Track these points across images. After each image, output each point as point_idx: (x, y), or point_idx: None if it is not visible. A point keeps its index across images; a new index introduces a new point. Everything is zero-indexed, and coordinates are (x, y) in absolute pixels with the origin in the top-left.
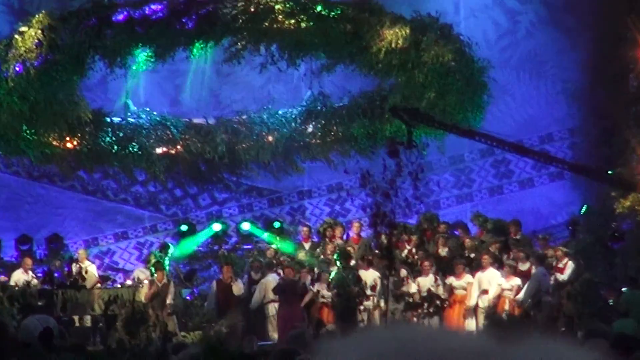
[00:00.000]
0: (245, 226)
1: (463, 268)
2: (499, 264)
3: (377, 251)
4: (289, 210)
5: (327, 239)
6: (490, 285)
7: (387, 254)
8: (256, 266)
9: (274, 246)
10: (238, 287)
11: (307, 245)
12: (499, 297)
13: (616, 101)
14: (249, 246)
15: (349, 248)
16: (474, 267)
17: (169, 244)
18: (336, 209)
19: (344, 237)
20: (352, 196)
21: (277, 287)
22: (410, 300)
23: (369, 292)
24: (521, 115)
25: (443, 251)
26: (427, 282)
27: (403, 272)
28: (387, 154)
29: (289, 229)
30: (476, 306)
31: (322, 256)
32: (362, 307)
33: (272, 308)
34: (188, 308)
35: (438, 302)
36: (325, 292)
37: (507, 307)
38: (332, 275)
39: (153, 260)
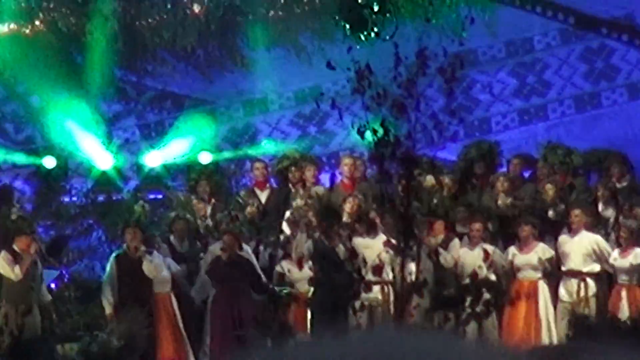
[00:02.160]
0: (206, 158)
1: (532, 232)
2: (600, 228)
3: (385, 206)
4: (228, 134)
5: (292, 185)
6: (586, 262)
7: (404, 212)
8: (180, 229)
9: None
10: (150, 266)
11: (263, 195)
12: (611, 283)
13: None
14: (159, 195)
15: (336, 200)
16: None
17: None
18: (311, 132)
19: (324, 181)
20: (340, 109)
21: (211, 268)
22: (445, 292)
23: (370, 276)
24: None
25: (505, 203)
26: (471, 259)
27: (432, 242)
28: (345, 25)
29: (229, 169)
30: (555, 300)
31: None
32: (359, 303)
33: None
34: (54, 303)
35: (489, 295)
36: (296, 275)
37: (625, 305)
38: (305, 247)
39: None
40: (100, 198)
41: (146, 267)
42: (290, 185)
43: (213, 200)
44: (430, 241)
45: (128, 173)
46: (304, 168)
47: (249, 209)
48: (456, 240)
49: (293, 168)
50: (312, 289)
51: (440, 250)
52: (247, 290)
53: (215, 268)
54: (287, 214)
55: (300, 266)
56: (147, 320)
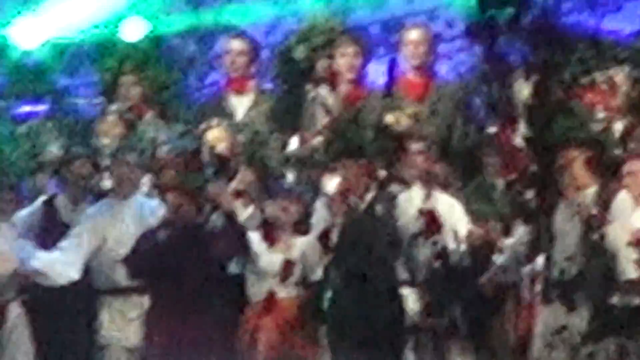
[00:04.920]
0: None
1: None
2: None
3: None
4: None
5: (311, 85)
6: None
7: (536, 140)
8: (76, 175)
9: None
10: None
11: (240, 104)
12: None
13: None
14: (37, 105)
15: (407, 111)
16: None
17: None
18: None
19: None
20: None
21: (138, 251)
22: (619, 300)
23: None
24: None
25: None
26: None
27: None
28: None
29: (181, 52)
30: None
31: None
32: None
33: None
34: None
35: None
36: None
37: None
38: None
39: None
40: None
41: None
42: (308, 85)
43: (149, 115)
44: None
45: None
46: (340, 51)
47: (211, 134)
48: (622, 195)
49: (321, 51)
50: (328, 291)
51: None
52: (205, 293)
53: (143, 252)
54: (293, 142)
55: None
56: None
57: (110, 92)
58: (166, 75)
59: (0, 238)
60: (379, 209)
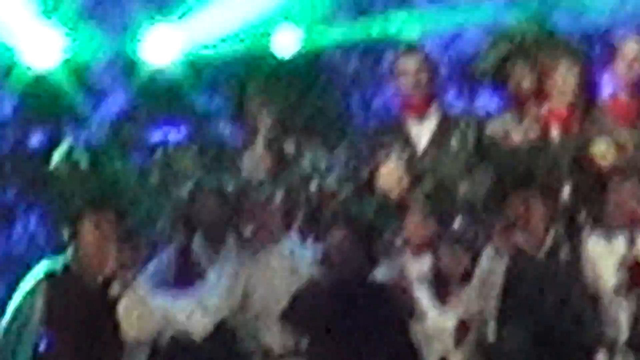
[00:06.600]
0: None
1: None
2: None
3: None
4: None
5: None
6: None
7: None
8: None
9: None
10: (133, 307)
11: (422, 131)
12: None
13: None
14: (174, 127)
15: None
16: None
17: None
18: None
19: None
20: None
21: (290, 312)
22: None
23: None
24: None
25: None
26: None
27: None
28: None
29: (342, 67)
30: None
31: None
32: None
33: None
34: None
35: None
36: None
37: None
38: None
39: None
40: (34, 142)
41: (124, 310)
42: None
43: (306, 143)
44: None
45: (102, 77)
46: (546, 67)
47: (385, 168)
48: None
49: (520, 66)
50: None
51: None
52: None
53: (303, 310)
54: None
55: None
56: None
57: (254, 116)
58: (326, 97)
59: (135, 296)
60: (564, 255)
